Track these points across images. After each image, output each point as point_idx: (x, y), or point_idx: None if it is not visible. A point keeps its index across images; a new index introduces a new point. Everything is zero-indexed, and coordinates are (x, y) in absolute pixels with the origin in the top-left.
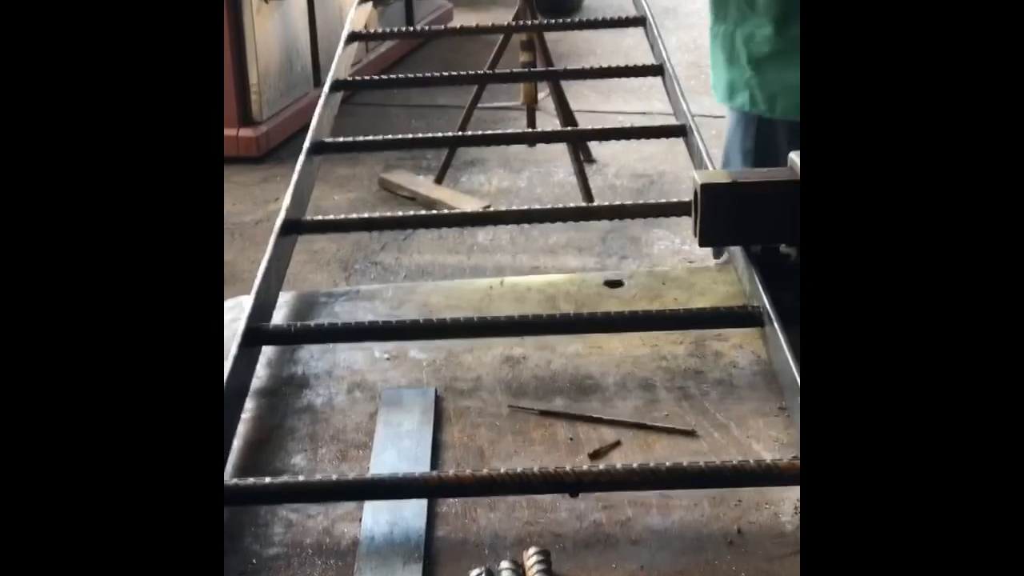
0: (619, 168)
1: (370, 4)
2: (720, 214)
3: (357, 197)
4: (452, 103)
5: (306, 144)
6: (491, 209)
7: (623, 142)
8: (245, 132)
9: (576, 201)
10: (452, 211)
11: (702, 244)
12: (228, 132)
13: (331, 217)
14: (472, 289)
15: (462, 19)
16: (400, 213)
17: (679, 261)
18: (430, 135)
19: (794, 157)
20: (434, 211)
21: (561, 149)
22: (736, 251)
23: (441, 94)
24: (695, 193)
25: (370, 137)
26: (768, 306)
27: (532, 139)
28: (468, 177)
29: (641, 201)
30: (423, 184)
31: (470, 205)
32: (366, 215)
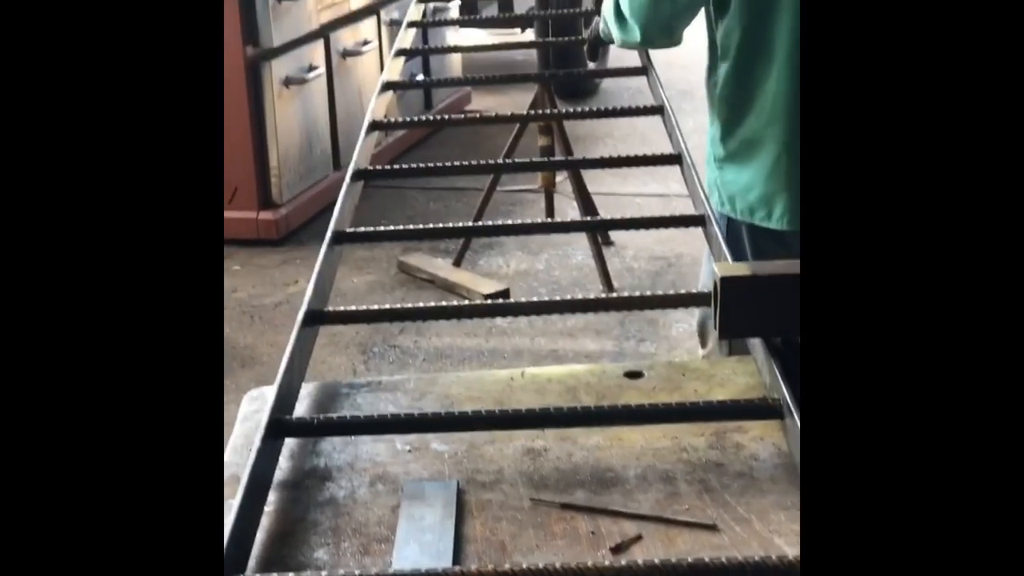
0: (637, 251)
1: (390, 93)
2: (740, 306)
3: (376, 279)
4: (470, 185)
5: (328, 234)
6: (509, 292)
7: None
8: (265, 215)
9: (594, 283)
10: (472, 303)
11: (722, 336)
12: (248, 215)
13: (353, 308)
14: (493, 380)
15: (480, 102)
16: (420, 304)
17: (697, 344)
18: (449, 226)
19: None
20: (454, 302)
21: (582, 232)
22: (756, 343)
23: (459, 176)
24: (715, 285)
25: (391, 227)
26: (788, 398)
27: (551, 229)
28: (486, 259)
29: (659, 285)
30: (441, 267)
31: (488, 288)
32: (388, 307)
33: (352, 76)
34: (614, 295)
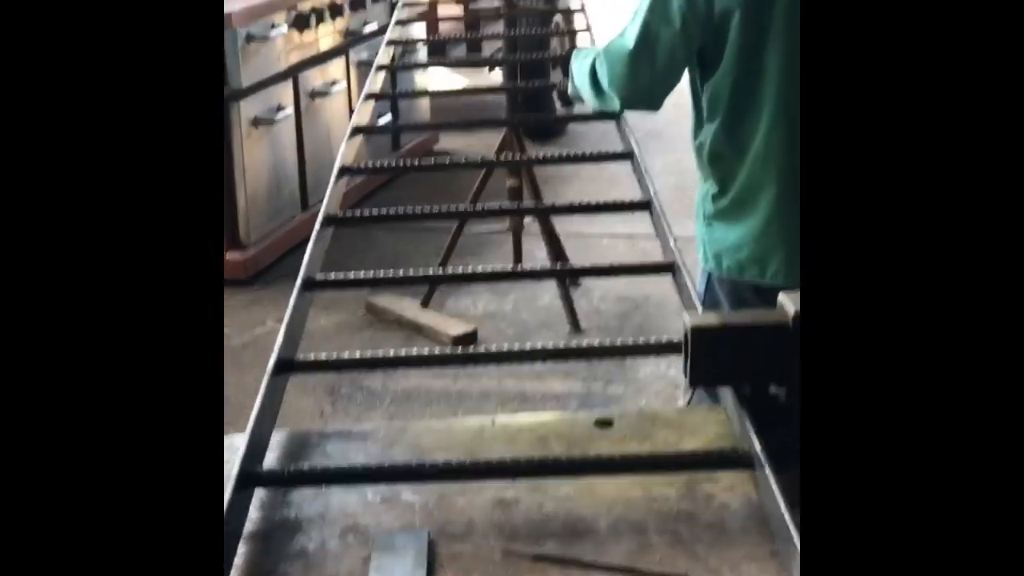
0: (604, 291)
1: (360, 137)
2: (710, 356)
3: (343, 320)
4: (438, 225)
5: (298, 281)
6: (477, 334)
7: (609, 262)
8: (233, 256)
9: (562, 324)
10: (442, 352)
11: (692, 384)
12: None
13: (323, 357)
14: (464, 429)
15: (449, 142)
16: (391, 352)
17: (664, 385)
18: (418, 273)
19: (783, 299)
20: (423, 346)
21: None
22: (726, 392)
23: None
24: (685, 335)
25: (360, 274)
26: (758, 449)
27: (520, 276)
28: (454, 300)
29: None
30: (409, 308)
31: (456, 329)
32: (357, 355)
33: (321, 116)
34: (583, 344)
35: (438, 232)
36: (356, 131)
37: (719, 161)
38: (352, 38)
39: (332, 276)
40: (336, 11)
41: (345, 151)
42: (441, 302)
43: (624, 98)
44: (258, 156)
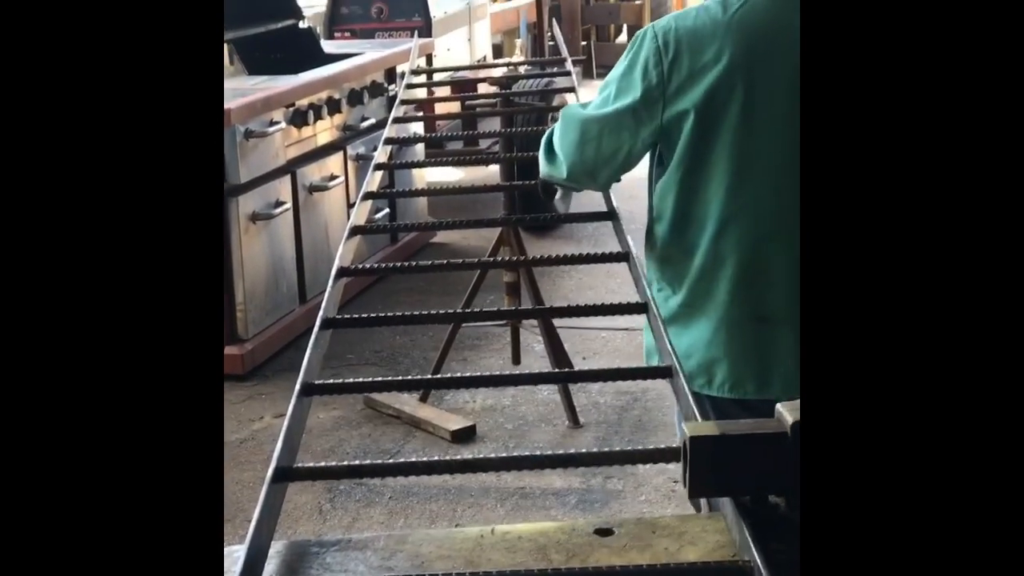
0: (602, 385)
1: (358, 237)
2: (709, 465)
3: (341, 415)
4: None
5: (296, 387)
6: (476, 429)
7: (607, 359)
8: (231, 350)
9: (561, 418)
10: (443, 459)
11: (691, 496)
12: None
13: (323, 464)
14: (463, 538)
15: (445, 234)
16: (390, 458)
17: (664, 480)
18: (416, 378)
19: (781, 409)
20: (424, 458)
21: (545, 364)
22: (725, 501)
23: (423, 307)
24: (683, 444)
25: (360, 379)
26: (759, 560)
27: (520, 381)
28: (453, 394)
29: (625, 420)
30: (408, 402)
31: (455, 424)
32: (357, 462)
33: (319, 211)
34: (583, 451)
35: (436, 325)
36: (354, 231)
37: (667, 263)
38: (350, 133)
39: (331, 380)
40: (334, 107)
41: (343, 252)
42: (440, 395)
43: (568, 167)
44: (257, 251)
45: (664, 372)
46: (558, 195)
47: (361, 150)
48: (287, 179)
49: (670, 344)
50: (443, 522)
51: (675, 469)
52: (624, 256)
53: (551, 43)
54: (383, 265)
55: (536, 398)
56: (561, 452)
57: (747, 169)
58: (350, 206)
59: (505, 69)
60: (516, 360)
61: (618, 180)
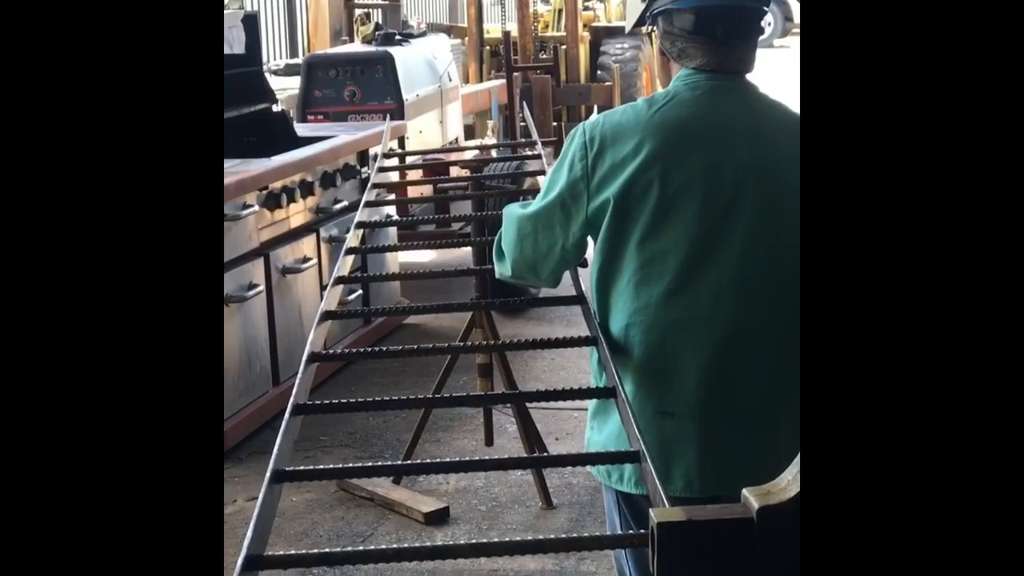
0: (576, 467)
1: (329, 323)
2: (677, 551)
3: (314, 497)
4: (410, 394)
5: (267, 475)
6: (449, 511)
7: (579, 439)
8: None
9: (534, 500)
10: (414, 546)
11: None
12: None
13: (293, 552)
14: None
15: (418, 315)
16: (361, 548)
17: None
18: (388, 464)
19: (747, 494)
20: (395, 545)
21: (518, 445)
22: None
23: (396, 388)
24: (651, 531)
25: (331, 466)
26: None
27: (493, 466)
28: (427, 476)
29: (598, 501)
30: (381, 484)
31: (428, 507)
32: (328, 550)
33: (292, 293)
34: (554, 537)
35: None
36: (325, 316)
37: (594, 355)
38: (323, 215)
39: (302, 467)
40: (307, 189)
41: (314, 338)
42: (414, 477)
43: (512, 264)
44: (230, 334)
45: (633, 456)
46: None
47: (334, 232)
48: (260, 261)
49: (636, 425)
50: None
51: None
52: (592, 340)
53: (522, 124)
54: (354, 350)
55: (509, 479)
56: (531, 538)
57: (651, 265)
58: (323, 288)
59: (476, 152)
60: (489, 442)
61: (560, 276)
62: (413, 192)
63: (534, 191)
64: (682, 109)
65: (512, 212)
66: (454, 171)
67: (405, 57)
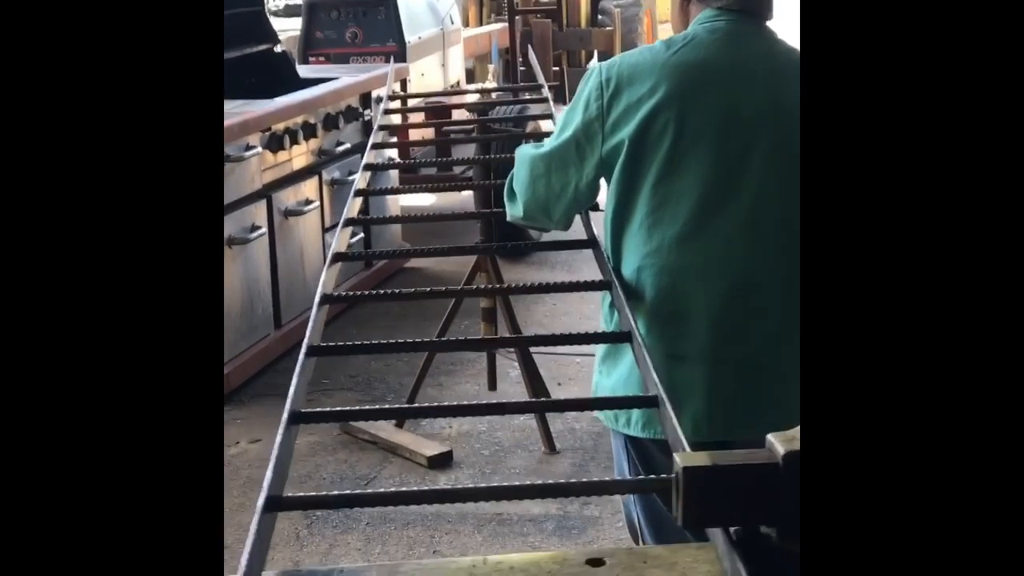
0: (580, 412)
1: (339, 264)
2: (702, 496)
3: (318, 440)
4: (413, 338)
5: (284, 416)
6: (452, 454)
7: (582, 385)
8: None
9: (536, 444)
10: (432, 488)
11: (684, 526)
12: None
13: (312, 494)
14: (456, 569)
15: (419, 259)
16: (381, 489)
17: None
18: (403, 406)
19: (772, 440)
20: (414, 488)
21: (520, 390)
22: (716, 532)
23: (398, 332)
24: (676, 475)
25: (346, 408)
26: None
27: (501, 410)
28: (429, 420)
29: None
30: (384, 428)
31: (431, 450)
32: (348, 492)
33: (294, 235)
34: (573, 481)
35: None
36: (336, 258)
37: (606, 298)
38: (325, 158)
39: (317, 409)
40: (309, 131)
41: (325, 279)
42: (416, 422)
43: (523, 205)
44: (232, 275)
45: (651, 402)
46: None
47: (336, 175)
48: (263, 204)
49: (654, 374)
50: (421, 548)
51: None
52: (606, 284)
53: (523, 68)
54: (365, 292)
55: (512, 424)
56: (551, 482)
57: (665, 208)
58: (325, 231)
59: (479, 95)
60: (492, 386)
61: (572, 218)
62: (415, 135)
63: (538, 135)
64: (700, 51)
65: (525, 152)
66: (456, 115)
67: None
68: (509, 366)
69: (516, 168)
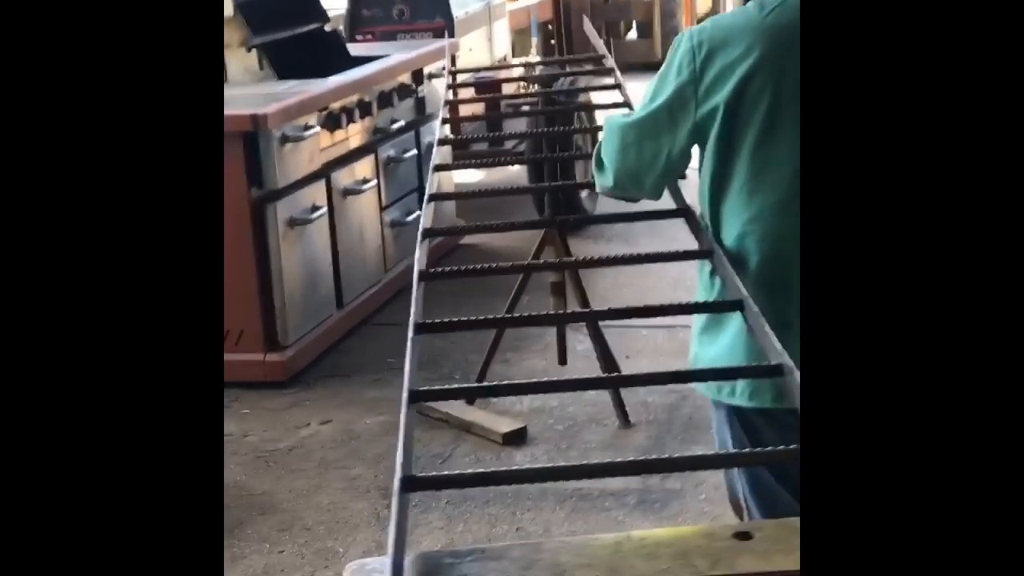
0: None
1: (429, 240)
2: None
3: (389, 420)
4: (476, 315)
5: (404, 395)
6: (527, 431)
7: (650, 357)
8: (272, 357)
9: (611, 418)
10: (568, 465)
11: None
12: (255, 357)
13: (447, 473)
14: (601, 545)
15: (473, 237)
16: (508, 467)
17: (720, 478)
18: (506, 383)
19: None
20: (525, 467)
21: (589, 363)
22: None
23: (464, 307)
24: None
25: (461, 386)
26: None
27: (574, 386)
28: (499, 398)
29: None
30: (455, 406)
31: (505, 427)
32: (479, 470)
33: (353, 215)
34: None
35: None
36: (427, 233)
37: (704, 267)
38: (380, 135)
39: (435, 387)
40: (365, 109)
41: (419, 255)
42: (486, 399)
43: (614, 174)
44: (294, 257)
45: (774, 370)
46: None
47: (391, 152)
48: (322, 184)
49: (776, 342)
50: (504, 526)
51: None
52: (707, 253)
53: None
54: (464, 267)
55: (584, 398)
56: (690, 455)
57: (765, 173)
58: (383, 209)
59: (536, 68)
60: (562, 360)
61: (663, 187)
62: (470, 110)
63: (605, 106)
64: (793, 11)
65: (614, 121)
66: (507, 89)
67: None
68: (575, 341)
69: (604, 138)
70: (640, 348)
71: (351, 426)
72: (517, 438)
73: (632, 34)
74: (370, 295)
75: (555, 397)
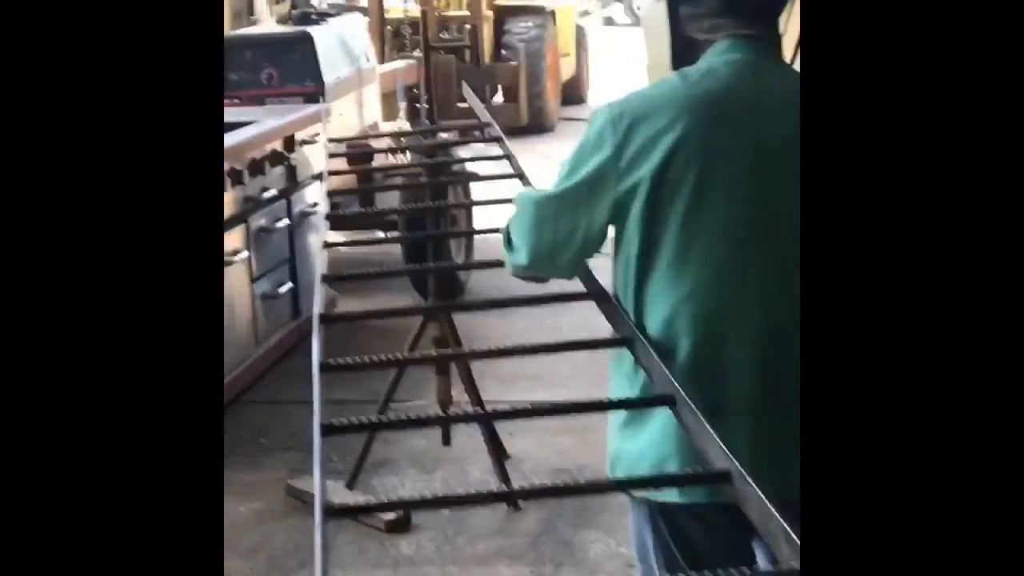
0: (536, 464)
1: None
2: None
3: (264, 507)
4: (350, 397)
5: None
6: (410, 518)
7: (534, 432)
8: None
9: (499, 503)
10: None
11: None
12: None
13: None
14: None
15: (346, 304)
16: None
17: (619, 566)
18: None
19: None
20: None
21: (475, 446)
22: None
23: (340, 387)
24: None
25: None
26: None
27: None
28: (379, 480)
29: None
30: (335, 491)
31: (388, 513)
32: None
33: (223, 286)
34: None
35: (351, 406)
36: (325, 279)
37: (621, 358)
38: (251, 204)
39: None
40: (236, 178)
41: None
42: (367, 483)
43: (528, 252)
44: None
45: (722, 477)
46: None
47: (262, 222)
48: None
49: (720, 442)
50: None
51: (628, 553)
52: (627, 340)
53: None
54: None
55: (468, 479)
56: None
57: (693, 249)
58: (253, 281)
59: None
60: (446, 441)
61: (578, 266)
62: (345, 181)
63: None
64: (721, 82)
65: (528, 196)
66: (379, 157)
67: (324, 37)
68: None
69: (517, 214)
70: (525, 425)
71: (223, 515)
72: (401, 525)
73: (498, 98)
74: (240, 371)
75: (439, 481)
